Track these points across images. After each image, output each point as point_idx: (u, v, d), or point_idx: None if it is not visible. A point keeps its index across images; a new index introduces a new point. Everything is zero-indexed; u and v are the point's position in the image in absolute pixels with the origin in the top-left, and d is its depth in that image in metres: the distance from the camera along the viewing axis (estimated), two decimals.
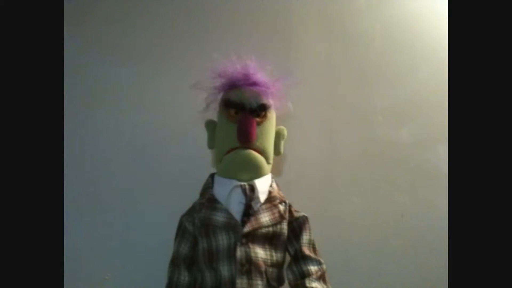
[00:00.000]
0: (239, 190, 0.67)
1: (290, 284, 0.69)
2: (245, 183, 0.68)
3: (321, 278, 0.68)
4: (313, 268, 0.67)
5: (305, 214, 0.72)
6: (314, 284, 0.66)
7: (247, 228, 0.65)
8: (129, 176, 0.89)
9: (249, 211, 0.66)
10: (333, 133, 0.92)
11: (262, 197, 0.68)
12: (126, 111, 0.90)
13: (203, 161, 0.87)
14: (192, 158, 0.88)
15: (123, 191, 0.88)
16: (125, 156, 0.89)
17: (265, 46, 0.90)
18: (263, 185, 0.69)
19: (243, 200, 0.67)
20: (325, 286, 0.67)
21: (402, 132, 0.93)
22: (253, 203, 0.67)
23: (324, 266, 0.69)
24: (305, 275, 0.67)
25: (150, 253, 0.85)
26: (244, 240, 0.65)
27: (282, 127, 0.75)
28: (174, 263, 0.70)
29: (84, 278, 0.84)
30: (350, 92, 0.94)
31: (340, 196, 0.90)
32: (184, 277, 0.69)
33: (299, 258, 0.69)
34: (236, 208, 0.67)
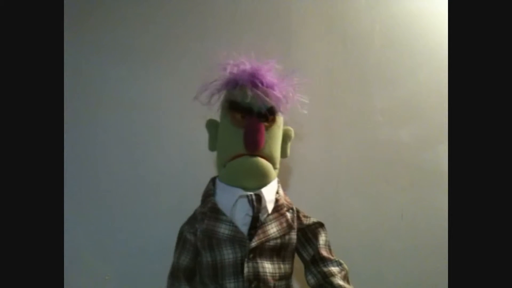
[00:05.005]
0: (245, 201, 0.63)
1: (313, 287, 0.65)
2: (251, 193, 0.63)
3: (345, 278, 0.64)
4: (335, 269, 0.64)
5: (320, 221, 0.68)
6: (342, 282, 0.62)
7: (254, 242, 0.61)
8: (129, 176, 0.89)
9: (256, 223, 0.62)
10: (333, 133, 0.92)
11: (270, 206, 0.64)
12: (126, 111, 0.90)
13: (203, 162, 0.86)
14: (192, 158, 0.88)
15: (123, 191, 0.88)
16: (125, 156, 0.89)
17: (265, 46, 0.90)
18: (270, 194, 0.65)
19: (250, 212, 0.62)
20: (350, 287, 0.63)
21: (402, 132, 0.93)
22: (260, 214, 0.63)
23: (345, 266, 0.65)
24: (327, 275, 0.63)
25: (150, 253, 0.85)
26: (251, 255, 0.61)
27: (289, 127, 0.71)
28: (174, 275, 0.67)
29: (84, 278, 0.84)
30: (350, 92, 0.93)
31: (340, 196, 0.90)
32: None
33: (318, 260, 0.65)
34: (242, 220, 0.62)
